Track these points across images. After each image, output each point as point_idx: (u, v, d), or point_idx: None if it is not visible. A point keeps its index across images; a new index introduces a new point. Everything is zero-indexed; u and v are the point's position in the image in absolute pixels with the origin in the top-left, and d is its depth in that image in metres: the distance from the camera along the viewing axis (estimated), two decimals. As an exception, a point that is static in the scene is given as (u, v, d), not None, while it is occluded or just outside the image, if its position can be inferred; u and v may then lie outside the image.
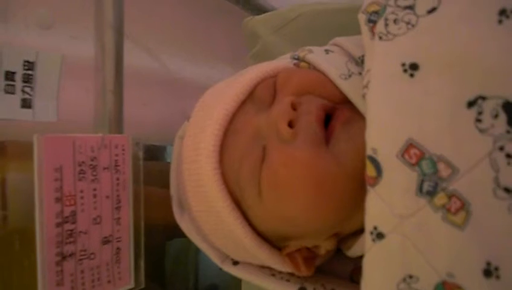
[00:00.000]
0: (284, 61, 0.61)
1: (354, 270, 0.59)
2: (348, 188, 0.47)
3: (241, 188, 0.51)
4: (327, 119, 0.50)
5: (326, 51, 0.58)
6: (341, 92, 0.51)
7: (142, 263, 0.68)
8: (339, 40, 0.60)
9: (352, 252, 0.54)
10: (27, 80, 0.58)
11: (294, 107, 0.50)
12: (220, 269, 0.62)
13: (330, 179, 0.46)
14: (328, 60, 0.56)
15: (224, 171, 0.52)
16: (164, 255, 1.48)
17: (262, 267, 0.59)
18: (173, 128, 0.67)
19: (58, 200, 0.55)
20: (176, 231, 0.65)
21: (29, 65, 0.58)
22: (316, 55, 0.58)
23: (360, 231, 0.49)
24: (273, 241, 0.56)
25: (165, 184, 0.66)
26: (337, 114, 0.49)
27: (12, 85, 0.57)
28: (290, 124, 0.48)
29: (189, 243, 0.63)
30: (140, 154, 0.68)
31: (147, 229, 0.70)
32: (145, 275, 0.69)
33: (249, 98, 0.55)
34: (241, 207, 0.53)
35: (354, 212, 0.48)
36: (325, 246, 0.54)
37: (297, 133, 0.48)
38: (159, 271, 1.44)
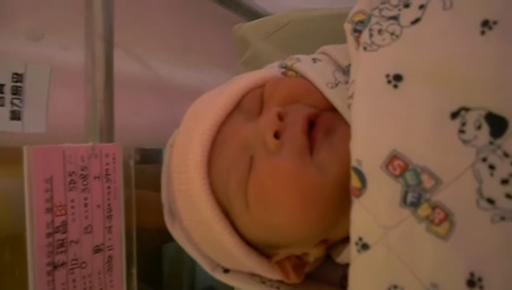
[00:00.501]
0: (272, 70, 0.61)
1: (343, 277, 0.60)
2: (333, 197, 0.47)
3: (229, 198, 0.52)
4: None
5: (314, 60, 0.58)
6: (327, 101, 0.52)
7: (134, 271, 0.68)
8: (327, 48, 0.61)
9: (341, 258, 0.54)
10: (16, 92, 0.58)
11: (280, 118, 0.50)
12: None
13: (314, 189, 0.47)
14: (316, 69, 0.56)
15: (213, 181, 0.53)
16: (161, 258, 1.48)
17: (253, 274, 0.59)
18: (165, 135, 0.67)
19: (48, 210, 0.56)
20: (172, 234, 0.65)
21: (18, 77, 0.58)
22: (304, 64, 0.58)
23: (349, 237, 0.50)
24: (262, 250, 0.56)
25: (160, 187, 0.66)
26: (319, 122, 0.50)
27: (2, 97, 0.57)
28: (276, 135, 0.49)
29: (185, 245, 0.63)
30: (132, 162, 0.68)
31: (143, 233, 0.70)
32: (141, 278, 0.70)
33: (237, 108, 0.55)
34: (230, 216, 0.53)
35: (340, 219, 0.48)
36: (314, 254, 0.55)
37: (283, 144, 0.48)
38: (156, 274, 1.44)
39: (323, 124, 0.50)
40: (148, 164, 0.92)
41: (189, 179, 0.53)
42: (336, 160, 0.47)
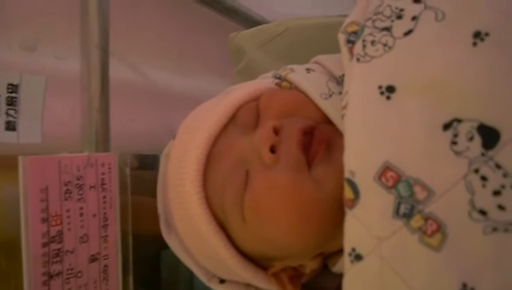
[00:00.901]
0: (266, 81, 0.61)
1: (339, 286, 0.60)
2: (329, 212, 0.47)
3: (225, 211, 0.52)
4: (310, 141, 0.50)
5: (308, 70, 0.59)
6: (322, 112, 0.52)
7: (130, 279, 0.68)
8: (320, 58, 0.61)
9: (337, 268, 0.55)
10: (11, 102, 0.58)
11: (276, 132, 0.50)
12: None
13: (311, 204, 0.47)
14: (309, 79, 0.56)
15: (208, 194, 0.53)
16: (159, 264, 1.48)
17: (249, 285, 0.59)
18: (162, 143, 0.68)
19: (44, 220, 0.56)
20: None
21: (12, 88, 0.58)
22: (297, 74, 0.58)
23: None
24: (258, 261, 0.56)
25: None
26: (316, 135, 0.50)
27: (-4, 108, 0.58)
28: (272, 149, 0.49)
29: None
30: (127, 169, 0.68)
31: (142, 239, 0.70)
32: (141, 284, 0.70)
33: (232, 121, 0.55)
34: (226, 229, 0.53)
35: (337, 233, 0.48)
36: (310, 266, 0.55)
37: (279, 158, 0.48)
38: (155, 280, 1.44)
39: (320, 137, 0.50)
40: (145, 170, 0.92)
41: (185, 192, 0.53)
42: (333, 175, 0.47)
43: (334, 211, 0.46)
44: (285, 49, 0.82)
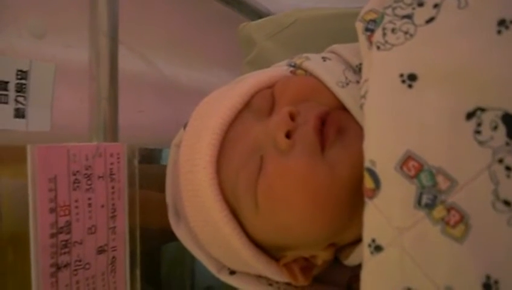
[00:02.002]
0: (280, 68, 0.60)
1: (351, 279, 0.59)
2: (344, 198, 0.46)
3: (238, 198, 0.51)
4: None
5: (324, 59, 0.58)
6: (338, 100, 0.51)
7: (138, 272, 0.67)
8: (336, 47, 0.60)
9: (350, 261, 0.54)
10: (20, 89, 0.57)
11: (292, 117, 0.49)
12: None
13: (325, 189, 0.46)
14: (326, 68, 0.55)
15: (221, 181, 0.52)
16: (160, 259, 1.47)
17: (259, 276, 0.59)
18: (170, 134, 0.67)
19: (52, 210, 0.55)
20: (172, 235, 0.64)
21: (22, 74, 0.57)
22: (313, 62, 0.57)
23: (358, 240, 0.49)
24: (270, 251, 0.55)
25: (162, 188, 0.66)
26: (330, 120, 0.49)
27: (5, 95, 0.56)
28: (288, 135, 0.48)
29: (186, 247, 0.63)
30: (136, 161, 0.67)
31: (143, 233, 0.70)
32: (141, 279, 0.69)
33: (246, 107, 0.54)
34: (238, 217, 0.53)
35: (351, 221, 0.48)
36: (322, 257, 0.54)
37: (294, 144, 0.48)
38: (155, 275, 1.43)
39: (334, 122, 0.49)
40: (149, 164, 0.91)
41: (197, 179, 0.52)
42: (347, 160, 0.46)
43: (348, 197, 0.46)
44: (296, 40, 0.81)
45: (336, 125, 0.49)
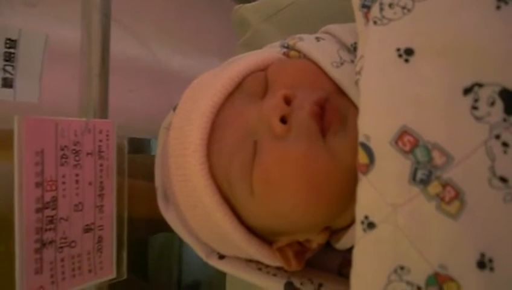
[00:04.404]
0: (274, 50, 0.59)
1: (342, 264, 0.59)
2: (343, 183, 0.45)
3: (230, 183, 0.50)
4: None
5: (317, 39, 0.57)
6: (334, 82, 0.50)
7: (124, 254, 0.66)
8: (330, 27, 0.59)
9: (341, 244, 0.53)
10: (9, 58, 0.56)
11: (287, 101, 0.48)
12: (204, 264, 0.60)
13: (325, 175, 0.45)
14: (319, 48, 0.54)
15: (212, 165, 0.51)
16: (148, 250, 1.47)
17: (250, 261, 0.58)
18: (159, 118, 0.66)
19: (38, 184, 0.53)
20: (159, 226, 0.63)
21: (11, 43, 0.56)
22: (307, 43, 0.56)
23: (351, 223, 0.48)
24: (264, 236, 0.54)
25: (149, 177, 0.65)
26: (330, 106, 0.48)
27: (-7, 63, 0.55)
28: (283, 120, 0.47)
29: (173, 238, 0.62)
30: (125, 142, 0.66)
31: (131, 223, 0.69)
32: (128, 269, 0.68)
33: (237, 89, 0.53)
34: (230, 202, 0.52)
35: (349, 205, 0.47)
36: (317, 240, 0.53)
37: (290, 129, 0.47)
38: (143, 265, 1.42)
39: (335, 108, 0.48)
40: (136, 153, 0.90)
41: (188, 163, 0.51)
42: (350, 144, 0.44)
43: (348, 182, 0.44)
44: (292, 22, 0.80)
45: (337, 111, 0.48)
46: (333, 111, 0.48)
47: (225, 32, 0.94)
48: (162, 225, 0.63)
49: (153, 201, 0.64)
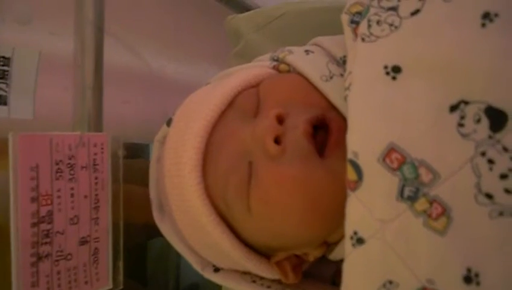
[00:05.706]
0: (264, 63, 0.59)
1: (335, 273, 0.59)
2: (341, 200, 0.45)
3: (227, 203, 0.50)
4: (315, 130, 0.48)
5: (307, 52, 0.57)
6: (324, 96, 0.51)
7: (120, 264, 0.67)
8: (319, 39, 0.60)
9: (334, 255, 0.54)
10: (2, 76, 0.56)
11: (280, 121, 0.48)
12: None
13: (323, 194, 0.46)
14: (309, 62, 0.55)
15: (208, 185, 0.51)
16: (145, 254, 1.47)
17: (244, 273, 0.58)
18: (154, 127, 0.66)
19: (34, 199, 0.54)
20: (157, 230, 0.64)
21: (5, 61, 0.56)
22: (296, 56, 0.57)
23: (342, 237, 0.49)
24: (261, 251, 0.55)
25: (147, 182, 0.65)
26: (331, 126, 0.48)
27: (-13, 81, 0.56)
28: (277, 140, 0.47)
29: (171, 242, 0.62)
30: (120, 152, 0.66)
31: (128, 228, 0.69)
32: (126, 274, 0.68)
33: (230, 107, 0.53)
34: (227, 220, 0.52)
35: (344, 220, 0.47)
36: (314, 254, 0.54)
37: (284, 150, 0.47)
38: (140, 270, 1.43)
39: (335, 128, 0.48)
40: (133, 158, 0.90)
41: (184, 183, 0.51)
42: (345, 163, 0.45)
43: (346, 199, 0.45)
44: (283, 33, 0.80)
45: (334, 131, 0.48)
46: (332, 130, 0.48)
47: (219, 39, 0.94)
48: (159, 230, 0.63)
49: (150, 206, 0.64)
